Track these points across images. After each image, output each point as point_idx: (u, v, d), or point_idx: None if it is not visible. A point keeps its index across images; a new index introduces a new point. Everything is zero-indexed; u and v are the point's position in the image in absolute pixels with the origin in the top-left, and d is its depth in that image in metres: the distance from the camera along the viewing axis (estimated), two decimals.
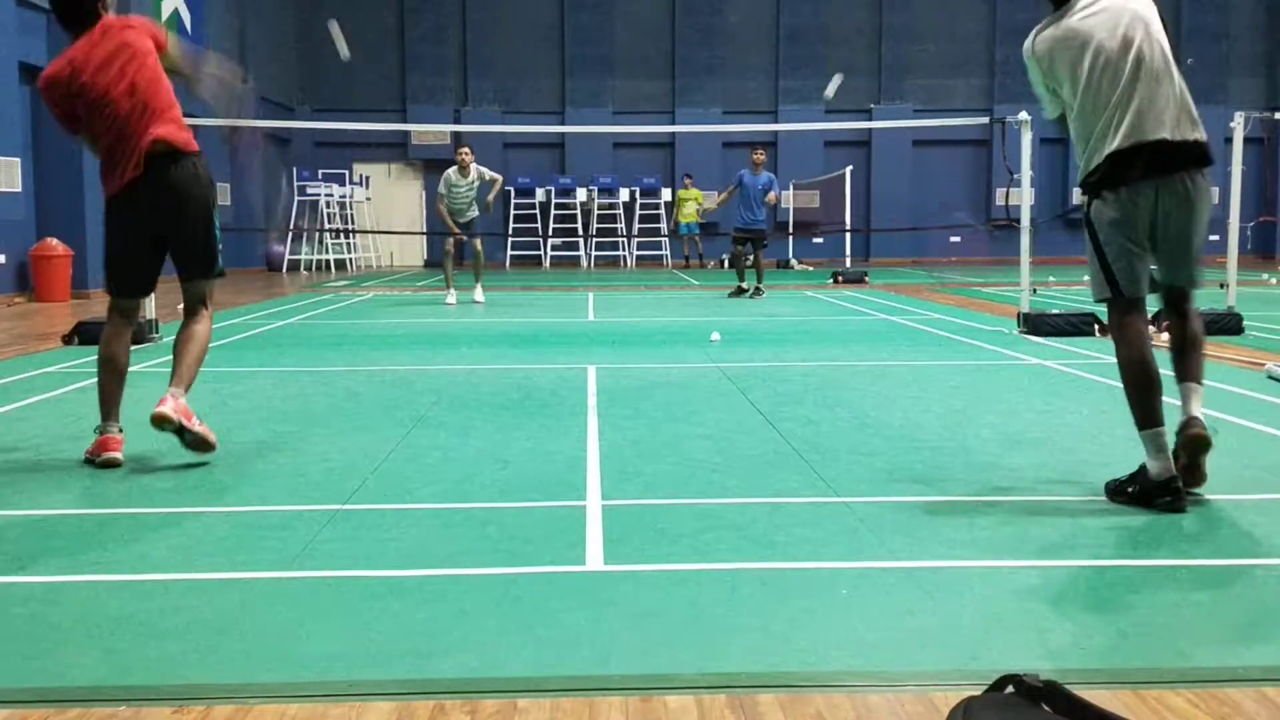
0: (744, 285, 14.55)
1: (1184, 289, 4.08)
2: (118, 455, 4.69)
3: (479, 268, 14.15)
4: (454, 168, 13.41)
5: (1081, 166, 4.11)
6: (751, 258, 14.43)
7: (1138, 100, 3.94)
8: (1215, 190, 4.43)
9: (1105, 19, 4.04)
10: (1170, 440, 3.88)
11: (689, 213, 23.62)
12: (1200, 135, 3.98)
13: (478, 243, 13.96)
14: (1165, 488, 3.81)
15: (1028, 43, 4.23)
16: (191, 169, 4.81)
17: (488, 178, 13.66)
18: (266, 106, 23.60)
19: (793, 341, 9.34)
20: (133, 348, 8.89)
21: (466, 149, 13.65)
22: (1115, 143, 3.94)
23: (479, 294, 13.84)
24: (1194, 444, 3.87)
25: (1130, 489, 3.91)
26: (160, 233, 4.87)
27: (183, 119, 4.87)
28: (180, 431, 4.58)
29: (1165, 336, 9.03)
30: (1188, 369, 4.01)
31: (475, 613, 2.92)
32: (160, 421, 4.51)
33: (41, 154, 15.20)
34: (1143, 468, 3.89)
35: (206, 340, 4.96)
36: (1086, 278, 4.21)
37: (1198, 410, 3.93)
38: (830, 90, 14.58)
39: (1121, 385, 4.02)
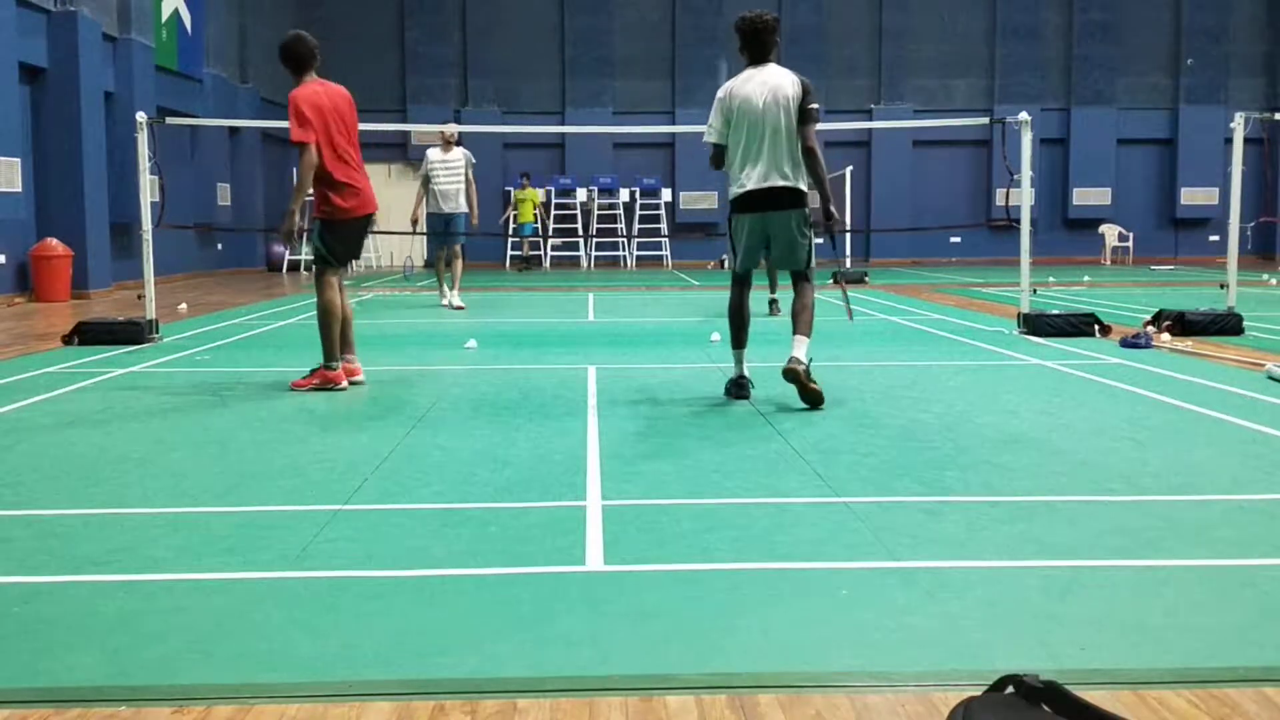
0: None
1: (792, 270, 6.27)
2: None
3: (457, 273, 13.22)
4: (436, 146, 12.65)
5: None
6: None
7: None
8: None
9: (757, 87, 6.09)
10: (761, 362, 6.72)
11: (526, 213, 23.41)
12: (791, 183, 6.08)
13: (458, 247, 13.15)
14: (735, 383, 6.31)
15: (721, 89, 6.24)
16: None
17: (469, 173, 12.76)
18: (267, 106, 23.60)
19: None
20: (131, 348, 9.02)
21: (453, 123, 13.18)
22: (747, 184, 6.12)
23: (457, 298, 13.18)
24: (787, 375, 5.91)
25: (727, 385, 6.35)
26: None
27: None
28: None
29: (1165, 336, 9.15)
30: (798, 325, 6.10)
31: (475, 613, 2.92)
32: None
33: (41, 154, 15.18)
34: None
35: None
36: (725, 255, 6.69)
37: (798, 352, 5.94)
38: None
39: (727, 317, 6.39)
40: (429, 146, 13.12)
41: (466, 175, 12.74)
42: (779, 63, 6.26)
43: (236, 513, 3.97)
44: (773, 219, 6.12)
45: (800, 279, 6.25)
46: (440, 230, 12.82)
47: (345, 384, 6.81)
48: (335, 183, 6.70)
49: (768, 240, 6.21)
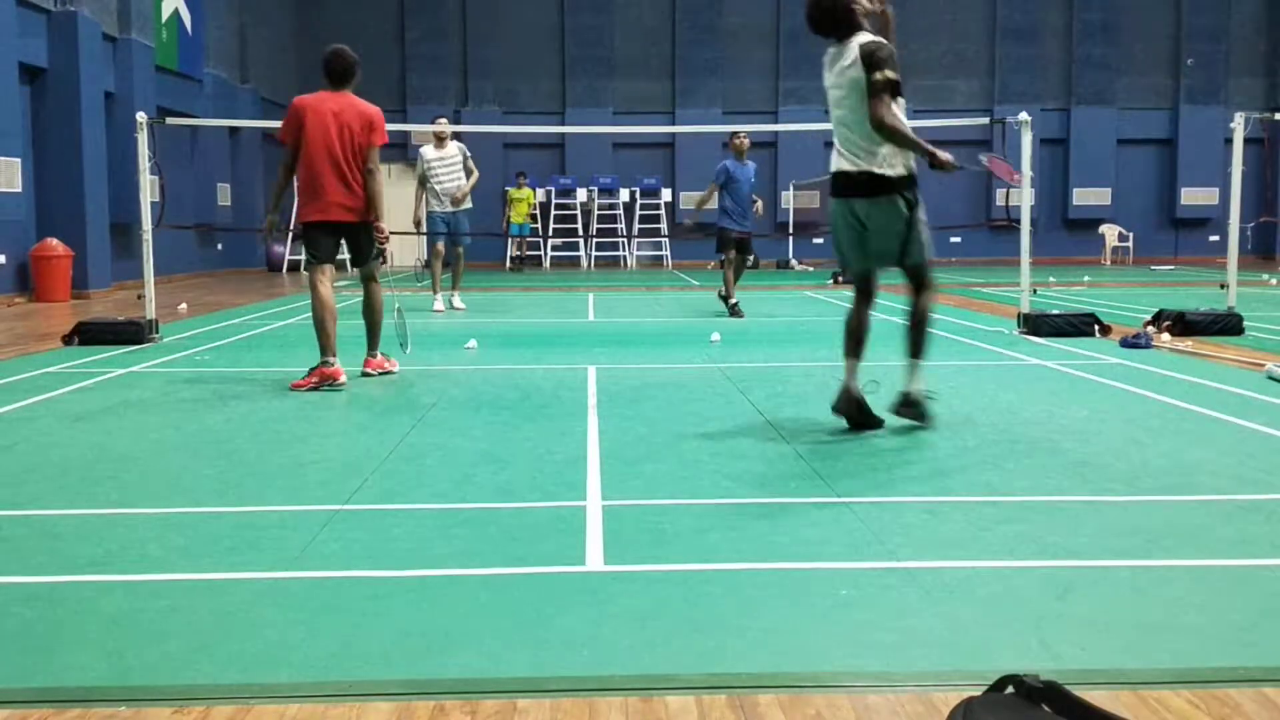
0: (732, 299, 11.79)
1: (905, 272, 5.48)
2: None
3: (458, 273, 12.88)
4: (429, 145, 12.41)
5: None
6: (735, 265, 11.78)
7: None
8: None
9: (831, 65, 5.37)
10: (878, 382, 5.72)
11: (520, 213, 23.30)
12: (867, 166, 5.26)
13: (459, 247, 12.69)
14: (843, 397, 5.41)
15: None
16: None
17: (469, 164, 12.50)
18: (267, 107, 23.60)
19: (792, 342, 9.34)
20: (131, 348, 9.03)
21: (444, 119, 12.91)
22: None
23: (458, 300, 12.91)
24: (898, 413, 5.40)
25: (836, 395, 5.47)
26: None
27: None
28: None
29: (1165, 336, 9.14)
30: (906, 345, 5.54)
31: (475, 613, 2.92)
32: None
33: (41, 154, 15.18)
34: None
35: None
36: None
37: (911, 385, 5.42)
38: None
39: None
40: (421, 146, 12.98)
41: (467, 166, 12.51)
42: (860, 29, 5.32)
43: (236, 513, 3.97)
44: (857, 206, 5.29)
45: (914, 287, 5.47)
46: (442, 230, 12.52)
47: (344, 379, 6.81)
48: (299, 186, 7.15)
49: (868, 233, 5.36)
